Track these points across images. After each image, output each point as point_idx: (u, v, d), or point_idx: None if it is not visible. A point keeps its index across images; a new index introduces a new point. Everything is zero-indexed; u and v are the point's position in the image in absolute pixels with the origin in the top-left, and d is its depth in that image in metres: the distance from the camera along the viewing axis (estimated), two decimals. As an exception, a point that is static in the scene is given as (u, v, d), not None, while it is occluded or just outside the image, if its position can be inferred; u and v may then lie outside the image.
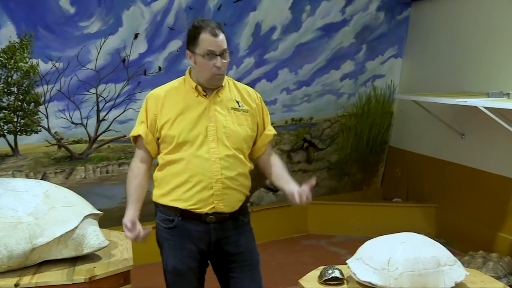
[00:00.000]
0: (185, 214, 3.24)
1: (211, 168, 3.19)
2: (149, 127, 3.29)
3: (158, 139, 3.29)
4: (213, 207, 3.21)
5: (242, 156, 3.30)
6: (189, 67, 3.35)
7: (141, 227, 3.22)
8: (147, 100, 3.33)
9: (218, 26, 3.22)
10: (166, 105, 3.27)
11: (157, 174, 3.32)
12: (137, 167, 3.33)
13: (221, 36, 3.19)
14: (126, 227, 3.19)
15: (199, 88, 3.26)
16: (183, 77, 3.37)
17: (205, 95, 3.27)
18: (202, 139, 3.21)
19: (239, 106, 3.34)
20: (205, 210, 3.21)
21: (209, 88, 3.27)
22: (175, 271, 3.32)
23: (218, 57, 3.18)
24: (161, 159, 3.30)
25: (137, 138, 3.36)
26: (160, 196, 3.30)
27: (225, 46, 3.20)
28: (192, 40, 3.22)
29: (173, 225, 3.28)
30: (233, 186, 3.25)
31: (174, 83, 3.37)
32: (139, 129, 3.31)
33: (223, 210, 3.24)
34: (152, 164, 3.37)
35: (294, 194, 3.32)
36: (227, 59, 3.23)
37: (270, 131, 3.48)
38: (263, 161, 3.50)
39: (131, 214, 3.23)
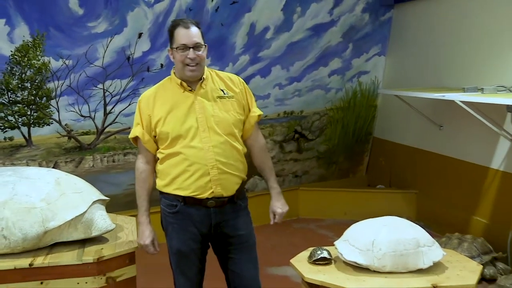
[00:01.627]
0: (187, 200, 3.24)
1: (205, 156, 3.18)
2: (145, 127, 3.29)
3: (155, 136, 3.29)
4: (212, 191, 3.21)
5: (234, 141, 3.29)
6: (173, 67, 3.34)
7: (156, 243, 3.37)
8: (139, 103, 3.33)
9: (192, 21, 3.24)
10: (156, 104, 3.27)
11: (158, 167, 3.33)
12: (144, 170, 3.35)
13: (193, 29, 3.19)
14: (150, 248, 3.33)
15: (184, 84, 3.25)
16: (169, 76, 3.36)
17: (190, 90, 3.26)
18: (194, 131, 3.20)
19: (224, 94, 3.32)
20: (205, 195, 3.22)
21: (193, 82, 3.27)
22: (179, 253, 3.33)
23: (191, 49, 3.17)
24: (160, 153, 3.30)
25: (136, 139, 3.36)
26: (163, 186, 3.30)
27: (197, 39, 3.19)
28: (170, 37, 3.25)
29: (176, 210, 3.28)
30: (228, 171, 3.24)
31: (161, 83, 3.37)
32: (135, 131, 3.32)
33: (221, 194, 3.24)
34: (155, 161, 3.38)
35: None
36: (201, 52, 3.21)
37: (255, 112, 3.45)
38: (249, 145, 3.47)
39: (151, 231, 3.34)
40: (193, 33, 3.19)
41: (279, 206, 3.44)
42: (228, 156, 3.24)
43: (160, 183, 3.33)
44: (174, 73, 3.32)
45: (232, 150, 3.27)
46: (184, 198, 3.24)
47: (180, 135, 3.21)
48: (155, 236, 3.34)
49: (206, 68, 3.33)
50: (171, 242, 3.35)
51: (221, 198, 3.25)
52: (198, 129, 3.21)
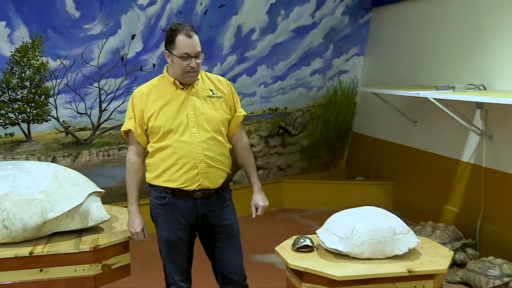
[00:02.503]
0: (176, 192, 3.24)
1: (194, 151, 3.19)
2: (137, 121, 3.27)
3: (146, 130, 3.28)
4: (199, 184, 3.21)
5: (221, 138, 3.29)
6: (166, 65, 3.32)
7: (146, 231, 3.34)
8: (132, 98, 3.32)
9: (192, 28, 3.20)
10: (149, 100, 3.26)
11: (148, 160, 3.32)
12: (136, 162, 3.33)
13: (195, 37, 3.17)
14: (140, 236, 3.29)
15: (177, 82, 3.25)
16: (161, 75, 3.35)
17: (182, 88, 3.26)
18: (184, 126, 3.20)
19: (213, 94, 3.32)
20: (192, 187, 3.22)
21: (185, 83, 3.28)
22: (168, 242, 3.33)
23: (193, 59, 3.17)
24: (150, 147, 3.29)
25: (128, 132, 3.35)
26: (153, 178, 3.30)
27: (199, 48, 3.18)
28: (169, 41, 3.20)
29: (165, 202, 3.28)
30: (215, 165, 3.24)
31: (154, 81, 3.36)
32: (128, 124, 3.30)
33: (208, 186, 3.24)
34: (145, 154, 3.37)
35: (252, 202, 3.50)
36: (200, 60, 3.22)
37: (241, 112, 3.46)
38: (233, 143, 3.47)
39: (141, 219, 3.30)
40: (196, 43, 3.18)
41: (260, 199, 3.47)
42: (215, 151, 3.25)
43: (149, 176, 3.32)
44: (167, 71, 3.31)
45: (219, 146, 3.28)
46: (173, 190, 3.24)
47: (171, 129, 3.21)
48: (144, 225, 3.32)
49: None
50: (160, 232, 3.35)
51: (207, 190, 3.25)
52: (188, 125, 3.21)
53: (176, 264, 3.36)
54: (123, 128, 3.35)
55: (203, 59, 3.25)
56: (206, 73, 3.44)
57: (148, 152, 3.33)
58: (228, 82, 3.48)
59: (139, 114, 3.27)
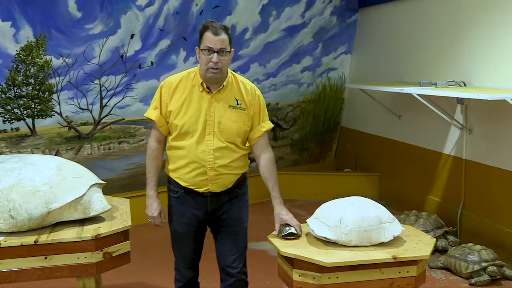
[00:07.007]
0: (186, 190, 3.21)
1: (205, 158, 3.10)
2: (162, 113, 3.18)
3: (167, 122, 3.20)
4: (208, 188, 3.17)
5: (235, 147, 3.18)
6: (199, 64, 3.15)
7: (163, 215, 3.29)
8: (161, 88, 3.19)
9: (222, 27, 3.03)
10: (175, 95, 3.14)
11: (167, 151, 3.25)
12: (156, 149, 3.26)
13: (222, 36, 3.00)
14: (157, 220, 3.27)
15: (204, 85, 3.11)
16: (195, 70, 3.19)
17: (208, 92, 3.12)
18: (201, 132, 3.10)
19: (237, 104, 3.16)
20: (201, 190, 3.18)
21: (213, 85, 3.12)
22: (176, 232, 3.33)
23: (215, 54, 2.99)
24: (169, 141, 3.22)
25: (151, 118, 3.24)
26: (169, 170, 3.26)
27: (223, 45, 3.00)
28: (200, 37, 3.06)
29: (177, 196, 3.26)
30: (226, 172, 3.16)
31: (187, 74, 3.20)
32: (152, 113, 3.20)
33: (216, 190, 3.19)
34: (166, 141, 3.28)
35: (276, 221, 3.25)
36: (225, 57, 3.03)
37: (264, 127, 3.29)
38: (256, 155, 3.33)
39: (158, 204, 3.26)
40: (221, 39, 2.99)
41: (284, 213, 3.26)
42: (228, 159, 3.15)
43: (167, 167, 3.28)
44: (200, 70, 3.15)
45: (233, 154, 3.17)
46: (183, 187, 3.21)
47: (188, 132, 3.11)
48: (162, 209, 3.28)
49: (229, 72, 3.19)
50: (171, 221, 3.34)
51: (217, 192, 3.20)
52: (204, 131, 3.11)
53: (182, 252, 3.36)
54: (147, 115, 3.24)
55: (229, 57, 3.09)
56: (239, 77, 3.26)
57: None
58: (257, 91, 3.28)
59: (164, 106, 3.16)
